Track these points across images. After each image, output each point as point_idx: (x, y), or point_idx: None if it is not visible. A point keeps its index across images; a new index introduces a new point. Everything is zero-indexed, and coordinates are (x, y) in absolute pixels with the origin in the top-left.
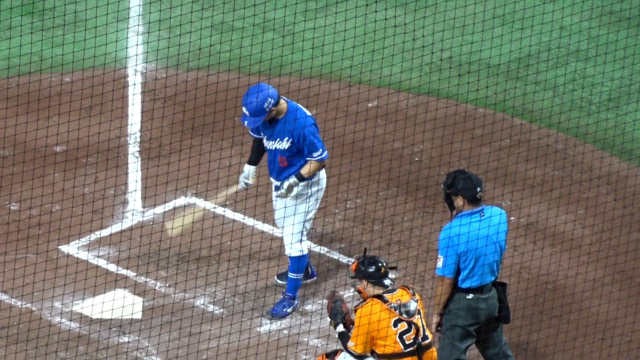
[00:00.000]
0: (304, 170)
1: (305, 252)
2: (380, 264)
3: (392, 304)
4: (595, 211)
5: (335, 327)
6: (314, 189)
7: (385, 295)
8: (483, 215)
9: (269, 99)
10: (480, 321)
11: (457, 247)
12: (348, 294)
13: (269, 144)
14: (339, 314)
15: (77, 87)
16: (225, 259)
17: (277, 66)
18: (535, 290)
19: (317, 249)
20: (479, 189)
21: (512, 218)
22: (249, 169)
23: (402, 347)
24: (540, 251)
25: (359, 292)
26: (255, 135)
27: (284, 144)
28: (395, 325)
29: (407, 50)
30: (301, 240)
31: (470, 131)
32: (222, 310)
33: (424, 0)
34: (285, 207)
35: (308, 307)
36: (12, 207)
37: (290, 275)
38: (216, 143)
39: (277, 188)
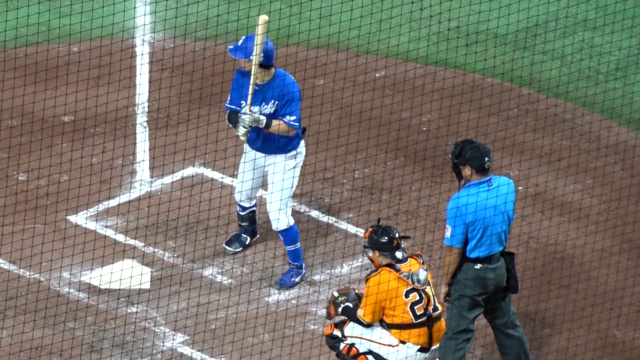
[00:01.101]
0: (273, 123)
1: (292, 223)
2: (393, 236)
3: (404, 273)
4: (603, 180)
5: (342, 301)
6: (298, 159)
7: (397, 264)
8: (491, 185)
9: (261, 54)
10: (489, 291)
11: (465, 217)
12: (357, 263)
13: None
14: (347, 299)
15: (85, 57)
16: (233, 230)
17: (284, 36)
18: (544, 259)
19: (325, 219)
20: (486, 159)
21: (520, 188)
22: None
23: (412, 317)
24: (548, 221)
25: (371, 260)
26: (232, 107)
27: (269, 108)
28: (407, 295)
29: (415, 20)
30: (286, 212)
31: (478, 101)
32: (230, 280)
33: None
34: (273, 182)
35: (316, 277)
36: (20, 178)
37: (288, 248)
38: (224, 113)
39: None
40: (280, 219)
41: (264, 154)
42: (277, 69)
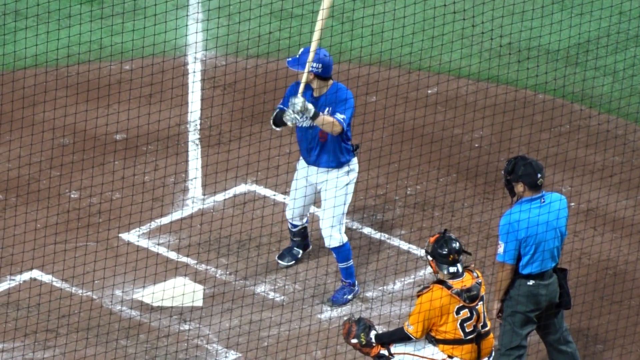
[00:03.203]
0: (321, 115)
1: (345, 240)
2: (451, 251)
3: (455, 290)
4: None
5: (366, 338)
6: (352, 176)
7: (449, 280)
8: (544, 202)
9: (320, 65)
10: (541, 307)
11: (517, 233)
12: (409, 280)
13: (309, 122)
14: (367, 327)
15: (137, 75)
16: (285, 246)
17: (336, 53)
18: (596, 276)
19: (377, 235)
20: (539, 175)
21: (572, 204)
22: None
23: (462, 334)
24: (600, 237)
25: (430, 264)
26: (281, 107)
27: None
28: (457, 312)
29: (467, 37)
30: (339, 230)
31: (530, 117)
32: (282, 297)
33: None
34: (326, 199)
35: (369, 294)
36: (72, 196)
37: (341, 265)
38: (276, 130)
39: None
40: (334, 236)
41: (316, 170)
42: (334, 81)
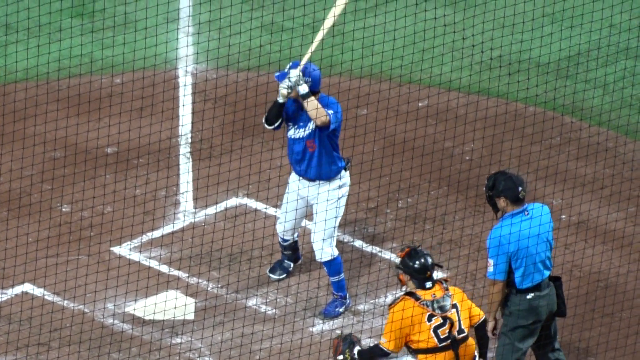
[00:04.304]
0: (313, 98)
1: (336, 254)
2: (426, 266)
3: (424, 301)
4: None
5: (350, 354)
6: (344, 190)
7: (418, 291)
8: (528, 214)
9: (309, 80)
10: (542, 318)
11: (507, 248)
12: (401, 293)
13: (299, 133)
14: (352, 343)
15: (128, 88)
16: (277, 259)
17: (327, 66)
18: (587, 288)
19: (369, 248)
20: (520, 189)
21: (563, 216)
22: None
23: (436, 341)
24: (591, 249)
25: (399, 279)
26: (273, 126)
27: (312, 126)
28: (429, 319)
29: (457, 50)
30: (331, 243)
31: (520, 130)
32: (274, 310)
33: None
34: (318, 213)
35: (360, 307)
36: (63, 209)
37: (332, 279)
38: (267, 143)
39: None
40: (325, 249)
41: (308, 184)
42: (322, 94)
